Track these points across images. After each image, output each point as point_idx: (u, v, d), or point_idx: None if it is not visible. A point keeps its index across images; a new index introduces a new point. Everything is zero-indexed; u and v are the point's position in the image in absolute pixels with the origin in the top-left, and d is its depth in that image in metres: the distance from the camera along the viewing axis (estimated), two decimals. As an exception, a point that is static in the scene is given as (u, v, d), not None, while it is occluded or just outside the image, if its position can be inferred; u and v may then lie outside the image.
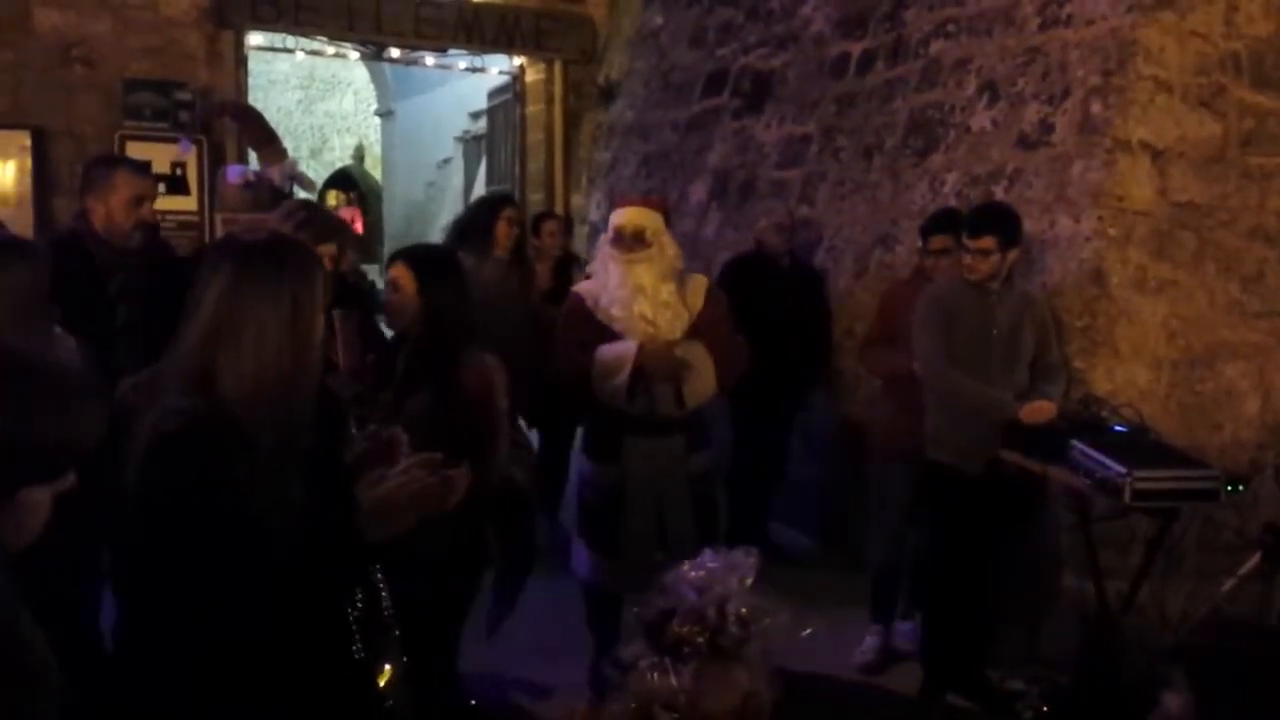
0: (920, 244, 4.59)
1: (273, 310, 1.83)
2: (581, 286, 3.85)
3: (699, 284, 3.82)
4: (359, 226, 13.95)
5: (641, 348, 3.58)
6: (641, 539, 3.66)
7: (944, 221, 4.44)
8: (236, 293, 1.83)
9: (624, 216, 3.74)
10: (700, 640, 1.86)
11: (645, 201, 3.92)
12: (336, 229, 3.44)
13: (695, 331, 3.68)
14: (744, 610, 1.89)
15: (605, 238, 3.79)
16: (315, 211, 3.85)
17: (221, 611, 1.72)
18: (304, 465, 1.84)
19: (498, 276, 5.10)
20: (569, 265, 5.98)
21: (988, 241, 3.84)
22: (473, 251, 5.17)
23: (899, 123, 5.69)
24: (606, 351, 3.62)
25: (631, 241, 3.66)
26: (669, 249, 3.69)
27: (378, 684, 2.07)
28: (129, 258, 3.62)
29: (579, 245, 7.76)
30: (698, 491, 3.76)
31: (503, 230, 5.14)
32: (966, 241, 3.91)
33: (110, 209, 3.57)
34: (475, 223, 5.34)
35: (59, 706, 1.06)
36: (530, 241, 5.81)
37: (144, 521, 1.77)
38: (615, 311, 3.66)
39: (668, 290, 3.66)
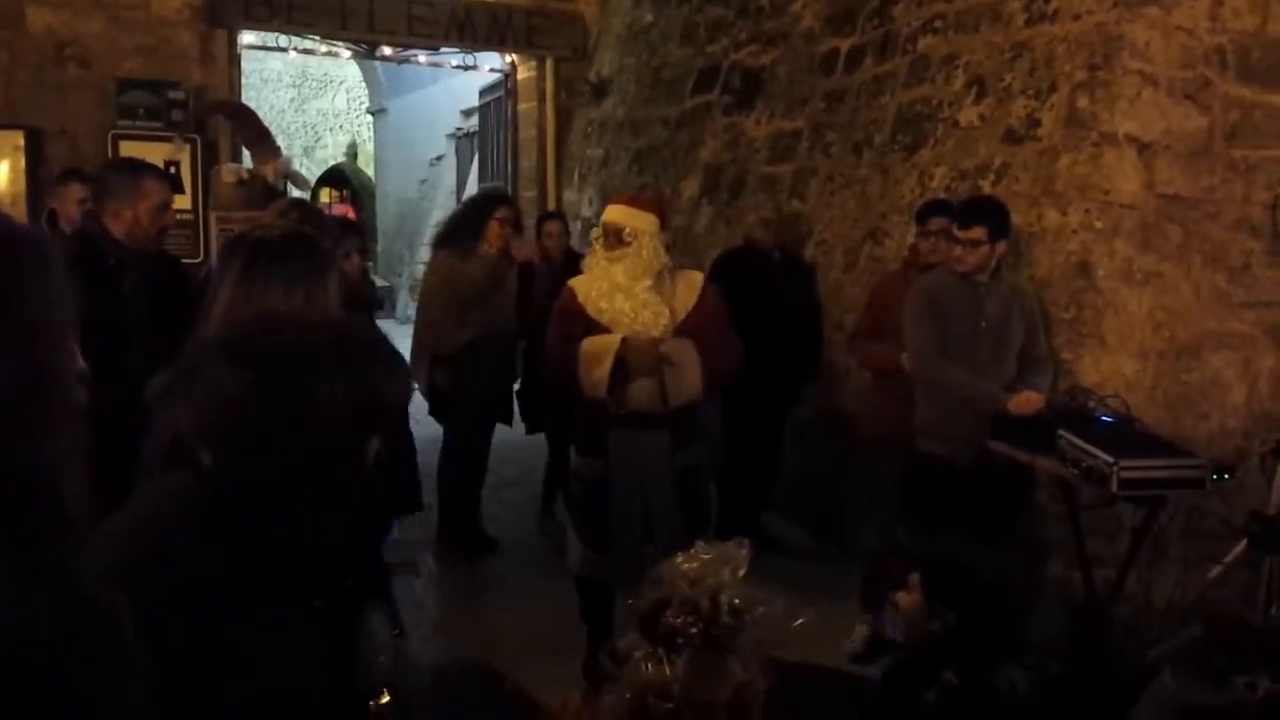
0: (916, 228, 4.64)
1: (284, 303, 1.83)
2: (575, 281, 3.87)
3: (693, 280, 3.84)
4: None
5: (625, 341, 3.60)
6: (627, 532, 3.68)
7: (939, 206, 4.53)
8: (248, 287, 1.83)
9: (607, 214, 3.78)
10: (693, 631, 1.87)
11: (633, 200, 3.90)
12: (343, 228, 3.41)
13: (684, 329, 3.69)
14: (737, 601, 1.90)
15: (595, 233, 3.83)
16: (307, 210, 3.88)
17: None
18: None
19: (482, 274, 5.12)
20: (577, 263, 5.98)
21: (978, 232, 3.89)
22: (459, 248, 5.20)
23: (887, 118, 5.72)
24: (591, 344, 3.65)
25: (612, 239, 3.70)
26: (646, 249, 3.67)
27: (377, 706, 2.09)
28: (141, 258, 3.60)
29: (572, 242, 7.76)
30: (684, 486, 3.75)
31: (493, 229, 5.15)
32: (957, 232, 3.96)
33: (138, 214, 3.55)
34: (464, 220, 5.37)
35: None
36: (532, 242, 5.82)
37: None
38: (603, 305, 3.70)
39: (642, 288, 3.66)
